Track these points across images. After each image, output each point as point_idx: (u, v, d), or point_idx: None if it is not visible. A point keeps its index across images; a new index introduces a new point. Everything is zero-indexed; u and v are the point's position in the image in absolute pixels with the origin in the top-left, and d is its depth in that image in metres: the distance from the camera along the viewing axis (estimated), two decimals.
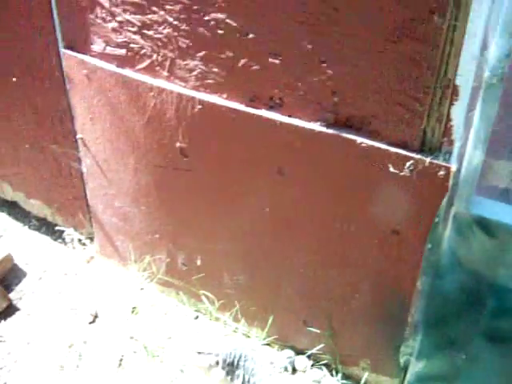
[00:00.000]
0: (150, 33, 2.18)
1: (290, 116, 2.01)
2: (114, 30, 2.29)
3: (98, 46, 2.38)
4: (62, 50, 2.50)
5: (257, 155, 2.17)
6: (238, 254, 2.51)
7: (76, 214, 3.15)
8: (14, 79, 2.78)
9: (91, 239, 3.23)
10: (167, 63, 2.20)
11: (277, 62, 1.94)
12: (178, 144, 2.34)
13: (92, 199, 2.97)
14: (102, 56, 2.39)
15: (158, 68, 2.24)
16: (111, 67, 2.37)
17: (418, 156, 1.82)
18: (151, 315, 2.85)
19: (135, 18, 2.19)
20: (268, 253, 2.40)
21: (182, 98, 2.20)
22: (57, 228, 3.33)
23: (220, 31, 2.01)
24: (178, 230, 2.67)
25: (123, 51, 2.31)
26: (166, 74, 2.23)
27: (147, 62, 2.26)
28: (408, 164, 1.85)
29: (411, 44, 1.67)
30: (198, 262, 2.65)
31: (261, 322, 2.62)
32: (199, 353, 2.32)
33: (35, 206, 3.39)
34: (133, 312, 2.85)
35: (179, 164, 2.40)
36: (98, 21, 2.32)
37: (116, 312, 2.88)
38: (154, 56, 2.22)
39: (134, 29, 2.22)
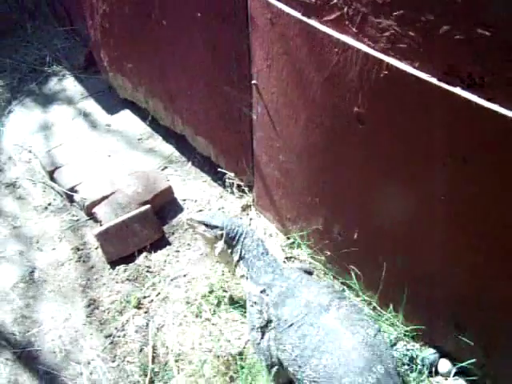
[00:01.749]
0: None
1: (489, 100, 1.71)
2: None
3: None
4: None
5: (441, 136, 1.91)
6: (399, 237, 2.31)
7: (239, 160, 3.09)
8: (199, 14, 2.71)
9: (250, 188, 3.17)
10: (358, 18, 1.98)
11: (486, 33, 1.64)
12: (355, 109, 2.14)
13: (257, 148, 2.88)
14: (289, 1, 2.22)
15: (347, 22, 2.03)
16: (296, 14, 2.20)
17: None
18: None
19: None
20: (433, 243, 2.18)
21: (369, 60, 1.99)
22: (219, 170, 3.30)
23: None
24: (340, 198, 2.51)
25: None
26: (354, 30, 2.01)
27: (336, 14, 2.06)
28: None
29: None
30: (355, 236, 2.49)
31: (408, 313, 2.45)
32: (207, 225, 2.55)
33: (201, 144, 3.38)
34: None
35: (354, 130, 2.21)
36: None
37: None
38: (345, 9, 2.01)
39: None
